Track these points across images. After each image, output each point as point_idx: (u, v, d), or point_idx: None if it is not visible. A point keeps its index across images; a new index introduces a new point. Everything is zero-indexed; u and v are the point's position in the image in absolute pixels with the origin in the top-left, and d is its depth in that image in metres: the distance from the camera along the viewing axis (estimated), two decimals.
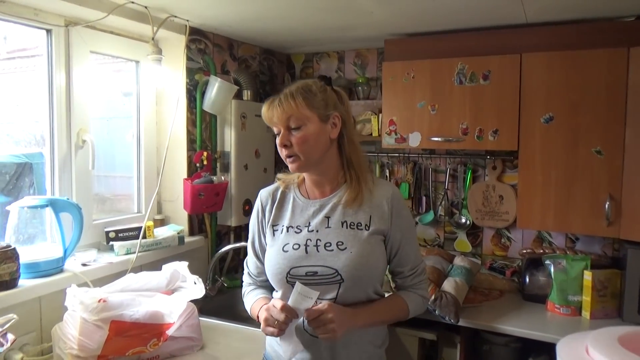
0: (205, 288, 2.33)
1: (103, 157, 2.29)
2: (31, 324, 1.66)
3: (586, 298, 2.12)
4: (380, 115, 2.59)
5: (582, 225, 2.13)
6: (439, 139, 2.35)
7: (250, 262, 1.56)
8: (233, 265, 2.69)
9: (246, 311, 1.53)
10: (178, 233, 2.20)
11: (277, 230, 1.44)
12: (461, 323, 2.07)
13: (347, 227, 1.38)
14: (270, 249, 1.43)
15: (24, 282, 1.63)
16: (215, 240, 2.54)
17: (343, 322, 1.27)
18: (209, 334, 1.86)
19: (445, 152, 2.69)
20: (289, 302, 1.28)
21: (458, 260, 2.34)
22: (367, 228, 1.38)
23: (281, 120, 1.34)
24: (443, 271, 2.23)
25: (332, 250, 1.35)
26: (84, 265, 1.84)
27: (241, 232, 2.72)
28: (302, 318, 1.30)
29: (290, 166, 1.39)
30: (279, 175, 1.53)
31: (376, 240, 1.39)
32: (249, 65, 2.79)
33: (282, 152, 1.38)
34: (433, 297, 2.04)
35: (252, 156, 2.65)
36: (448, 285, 2.13)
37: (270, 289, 1.52)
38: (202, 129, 2.42)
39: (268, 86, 2.96)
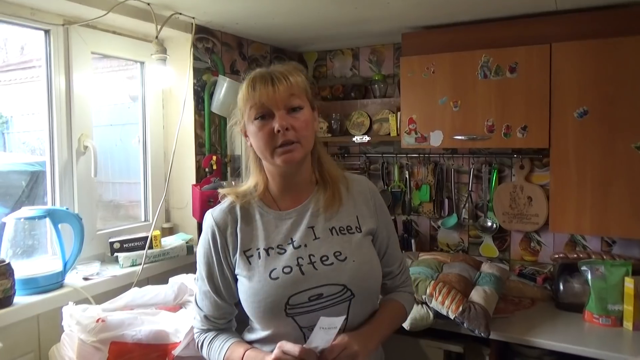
0: None
1: (118, 164, 2.23)
2: (28, 345, 1.55)
3: (628, 307, 1.95)
4: (398, 113, 2.44)
5: (622, 228, 1.97)
6: (463, 137, 2.20)
7: (205, 302, 1.25)
8: None
9: None
10: (187, 242, 2.09)
11: (251, 256, 1.18)
12: (491, 335, 1.91)
13: (337, 234, 1.20)
14: (251, 282, 1.16)
15: (20, 299, 1.53)
16: None
17: (365, 349, 1.12)
18: None
19: (468, 152, 2.54)
20: (310, 343, 1.03)
21: (486, 267, 2.18)
22: (358, 230, 1.23)
23: (283, 98, 1.13)
24: (470, 280, 2.08)
25: (332, 263, 1.15)
26: (85, 279, 1.73)
27: None
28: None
29: (284, 157, 1.13)
30: (224, 190, 1.27)
31: (369, 242, 1.25)
32: (259, 64, 2.67)
33: (277, 140, 1.13)
34: (461, 309, 1.88)
35: None
36: (476, 295, 1.97)
37: (236, 332, 1.28)
38: (210, 131, 2.30)
39: None
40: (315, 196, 1.23)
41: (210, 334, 1.26)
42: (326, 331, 1.04)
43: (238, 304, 1.24)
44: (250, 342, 1.23)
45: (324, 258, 1.16)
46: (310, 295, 1.12)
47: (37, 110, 1.86)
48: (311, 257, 1.16)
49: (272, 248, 1.18)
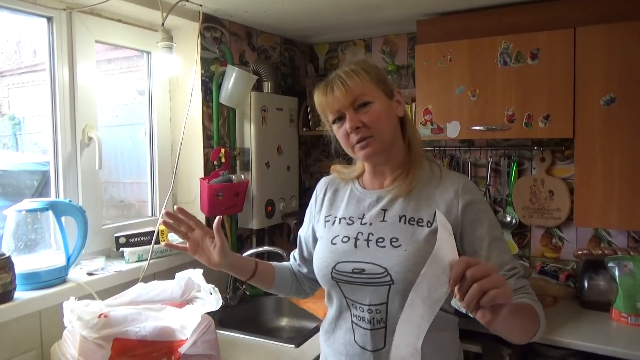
0: (226, 297, 2.16)
1: (121, 163, 2.19)
2: (30, 342, 1.49)
3: None
4: (413, 104, 2.35)
5: None
6: (481, 128, 2.10)
7: (298, 248, 1.48)
8: None
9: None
10: None
11: (328, 221, 1.32)
12: None
13: (405, 222, 1.20)
14: (320, 242, 1.31)
15: (21, 294, 1.47)
16: (236, 245, 2.34)
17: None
18: (229, 350, 1.67)
19: (485, 144, 2.44)
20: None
21: None
22: (429, 225, 1.18)
23: (347, 100, 1.19)
24: None
25: (384, 246, 1.18)
26: (90, 274, 1.67)
27: (264, 235, 2.52)
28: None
29: (363, 152, 1.21)
30: (335, 167, 1.40)
31: None
32: (269, 55, 2.60)
33: (352, 139, 1.20)
34: None
35: (274, 153, 2.45)
36: None
37: (298, 275, 1.47)
38: (219, 123, 2.23)
39: (290, 78, 2.76)
40: (399, 181, 1.26)
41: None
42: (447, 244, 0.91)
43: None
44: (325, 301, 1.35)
45: (380, 240, 1.20)
46: (354, 267, 1.19)
47: (49, 112, 1.83)
48: (370, 235, 1.21)
49: (345, 218, 1.28)
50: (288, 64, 2.76)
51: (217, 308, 1.52)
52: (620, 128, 1.87)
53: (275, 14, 2.25)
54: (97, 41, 1.89)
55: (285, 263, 1.50)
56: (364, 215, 1.26)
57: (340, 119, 1.22)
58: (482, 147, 2.44)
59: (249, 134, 2.33)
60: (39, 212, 1.57)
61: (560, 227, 2.32)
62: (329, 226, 1.31)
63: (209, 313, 1.52)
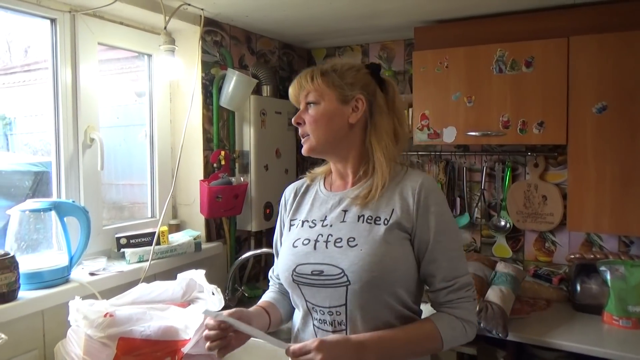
0: (225, 298, 2.17)
1: (121, 165, 2.19)
2: (33, 341, 1.49)
3: None
4: (410, 110, 2.39)
5: None
6: (477, 133, 2.15)
7: (275, 263, 1.43)
8: (254, 274, 2.50)
9: (271, 324, 1.34)
10: (194, 239, 2.03)
11: (293, 225, 1.33)
12: (508, 337, 1.85)
13: (363, 222, 1.21)
14: (284, 245, 1.32)
15: (24, 293, 1.47)
16: (234, 247, 2.36)
17: (339, 358, 1.04)
18: None
19: (480, 150, 2.48)
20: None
21: (501, 267, 2.13)
22: (385, 222, 1.18)
23: (302, 93, 1.27)
24: (486, 279, 2.02)
25: (342, 246, 1.19)
26: (92, 274, 1.68)
27: (262, 237, 2.54)
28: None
29: (303, 148, 1.29)
30: (310, 170, 1.43)
31: (397, 238, 1.17)
32: (267, 59, 2.63)
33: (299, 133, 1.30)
34: (477, 309, 1.83)
35: (272, 156, 2.48)
36: (493, 294, 1.91)
37: (282, 294, 1.41)
38: (219, 126, 2.25)
39: (288, 82, 2.76)
40: (359, 187, 1.27)
41: (268, 290, 1.45)
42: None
43: None
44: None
45: (338, 240, 1.20)
46: (313, 269, 1.20)
47: (40, 112, 1.84)
48: (329, 236, 1.22)
49: (308, 221, 1.29)
50: (286, 68, 2.79)
51: (220, 308, 1.53)
52: (612, 135, 1.92)
53: (275, 19, 2.28)
54: (99, 43, 1.90)
55: (276, 293, 1.41)
56: (325, 217, 1.27)
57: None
58: (477, 152, 2.49)
59: (248, 137, 2.35)
60: (42, 212, 1.58)
61: (553, 231, 2.37)
62: (292, 229, 1.32)
63: None
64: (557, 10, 2.05)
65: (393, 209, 1.19)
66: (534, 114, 2.04)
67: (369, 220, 1.20)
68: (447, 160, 2.56)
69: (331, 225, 1.24)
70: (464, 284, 1.20)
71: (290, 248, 1.27)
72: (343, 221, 1.23)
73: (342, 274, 1.15)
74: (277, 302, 1.37)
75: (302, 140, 1.29)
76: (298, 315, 1.30)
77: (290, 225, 1.34)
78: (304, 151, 1.29)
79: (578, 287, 2.09)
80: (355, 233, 1.19)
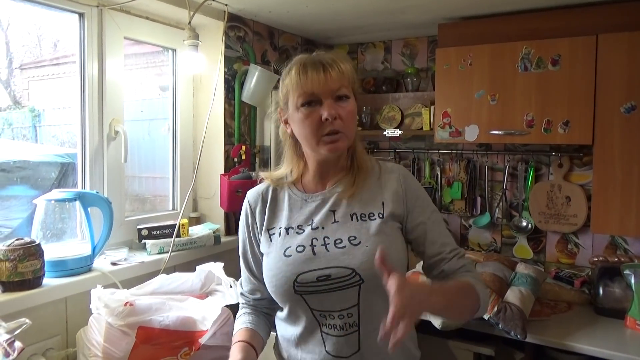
0: None
1: (144, 157, 2.23)
2: (56, 327, 1.53)
3: None
4: (432, 107, 2.37)
5: None
6: (500, 132, 2.11)
7: (243, 279, 1.33)
8: None
9: (257, 356, 1.28)
10: (214, 232, 2.06)
11: (274, 234, 1.22)
12: (527, 338, 1.83)
13: (357, 220, 1.18)
14: (268, 257, 1.21)
15: (49, 281, 1.52)
16: None
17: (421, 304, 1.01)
18: None
19: (503, 149, 2.45)
20: None
21: (521, 268, 2.10)
22: (380, 216, 1.17)
23: (335, 84, 1.12)
24: (505, 280, 1.99)
25: (344, 247, 1.14)
26: (113, 264, 1.72)
27: None
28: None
29: (332, 146, 1.14)
30: (263, 174, 1.30)
31: (393, 229, 1.18)
32: (290, 55, 2.63)
33: (324, 129, 1.13)
34: (496, 309, 1.81)
35: None
36: (512, 295, 1.89)
37: (266, 312, 1.33)
38: (240, 121, 2.27)
39: None
40: (343, 182, 1.22)
41: (240, 312, 1.33)
42: None
43: None
44: (279, 321, 1.27)
45: (338, 241, 1.16)
46: (319, 275, 1.13)
47: (68, 105, 1.87)
48: (326, 239, 1.16)
49: (292, 227, 1.21)
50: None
51: (237, 301, 1.55)
52: None
53: (298, 15, 2.28)
54: (125, 37, 1.94)
55: (251, 314, 1.33)
56: (312, 220, 1.20)
57: (311, 103, 1.13)
58: (500, 151, 2.45)
59: (269, 132, 2.37)
60: (67, 202, 1.62)
61: (577, 233, 2.32)
62: (275, 239, 1.21)
63: (227, 306, 1.56)
64: (585, 8, 2.01)
65: (383, 202, 1.19)
66: (560, 113, 2.00)
67: (362, 218, 1.18)
68: (468, 159, 2.53)
69: (323, 228, 1.18)
70: (463, 253, 1.25)
71: (282, 258, 1.17)
72: (335, 222, 1.18)
73: (354, 274, 1.12)
74: (257, 326, 1.28)
75: (334, 136, 1.14)
76: (295, 329, 1.20)
77: (270, 235, 1.22)
78: (336, 149, 1.15)
79: (601, 291, 2.05)
80: (354, 231, 1.16)
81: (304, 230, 1.19)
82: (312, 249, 1.15)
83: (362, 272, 1.12)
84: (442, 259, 1.20)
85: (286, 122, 1.22)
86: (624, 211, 1.93)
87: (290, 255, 1.16)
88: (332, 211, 1.20)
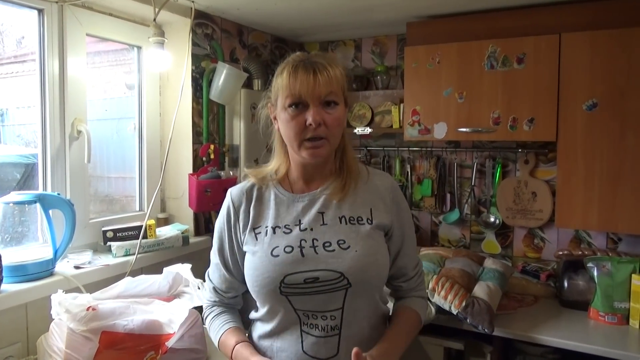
0: None
1: (113, 157, 2.18)
2: (16, 334, 1.48)
3: (635, 305, 1.90)
4: (401, 105, 2.39)
5: (631, 224, 1.91)
6: (468, 129, 2.14)
7: (215, 274, 1.29)
8: None
9: None
10: (182, 233, 2.02)
11: (260, 233, 1.20)
12: (494, 332, 1.86)
13: (346, 223, 1.18)
14: (254, 256, 1.18)
15: (8, 286, 1.46)
16: None
17: None
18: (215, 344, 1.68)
19: (471, 146, 2.48)
20: None
21: (489, 263, 2.13)
22: (369, 222, 1.19)
23: (321, 91, 1.11)
24: (473, 275, 2.02)
25: (334, 250, 1.14)
26: (77, 268, 1.67)
27: None
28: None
29: (310, 152, 1.13)
30: (249, 171, 1.28)
31: (379, 236, 1.21)
32: (259, 53, 2.61)
33: (306, 134, 1.12)
34: (464, 304, 1.83)
35: (262, 150, 2.46)
36: (480, 290, 1.92)
37: (238, 310, 1.33)
38: (209, 120, 2.24)
39: None
40: (332, 184, 1.22)
41: (216, 310, 1.30)
42: None
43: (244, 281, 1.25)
44: (253, 321, 1.27)
45: (327, 244, 1.15)
46: (306, 277, 1.12)
47: (32, 104, 1.81)
48: (314, 241, 1.15)
49: (279, 227, 1.19)
50: (279, 62, 2.74)
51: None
52: (602, 132, 1.93)
53: (267, 13, 2.26)
54: (88, 34, 1.88)
55: (229, 313, 1.31)
56: (300, 220, 1.18)
57: (298, 105, 1.12)
58: (468, 148, 2.49)
59: (238, 131, 2.34)
60: (26, 205, 1.57)
61: (542, 228, 2.38)
62: (262, 238, 1.19)
63: (196, 308, 1.53)
64: (549, 7, 2.05)
65: (371, 209, 1.21)
66: (525, 110, 2.04)
67: (351, 221, 1.18)
68: (437, 156, 2.56)
69: (312, 229, 1.17)
70: (422, 270, 1.35)
71: (269, 258, 1.15)
72: (324, 224, 1.17)
73: (342, 278, 1.12)
74: (240, 324, 1.28)
75: (316, 142, 1.13)
76: (273, 322, 1.19)
77: (256, 233, 1.20)
78: (317, 155, 1.14)
79: (565, 284, 2.10)
80: (343, 235, 1.16)
81: (291, 230, 1.18)
82: (301, 251, 1.14)
83: (350, 276, 1.12)
84: (405, 274, 1.29)
85: (274, 119, 1.22)
86: (586, 206, 1.98)
87: (277, 255, 1.15)
88: (321, 213, 1.19)
